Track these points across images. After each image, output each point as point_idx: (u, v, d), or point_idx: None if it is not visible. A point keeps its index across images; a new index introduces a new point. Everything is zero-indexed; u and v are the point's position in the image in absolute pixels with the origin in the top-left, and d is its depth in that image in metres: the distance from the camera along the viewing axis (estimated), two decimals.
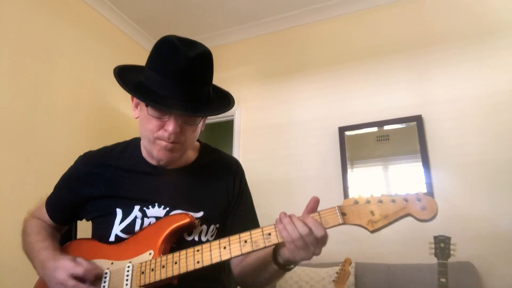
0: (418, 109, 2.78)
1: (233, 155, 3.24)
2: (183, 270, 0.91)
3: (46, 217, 1.19)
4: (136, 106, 1.07)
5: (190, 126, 1.01)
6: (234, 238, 0.91)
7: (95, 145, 1.25)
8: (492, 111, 2.56)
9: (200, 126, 1.05)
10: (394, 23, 3.09)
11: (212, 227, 1.08)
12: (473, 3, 2.84)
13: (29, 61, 2.57)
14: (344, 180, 2.84)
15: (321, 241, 0.85)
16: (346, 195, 2.72)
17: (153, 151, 1.03)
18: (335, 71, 3.20)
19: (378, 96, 2.97)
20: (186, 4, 3.33)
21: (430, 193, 2.52)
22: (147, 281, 0.93)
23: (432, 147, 2.67)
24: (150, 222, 1.03)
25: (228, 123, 3.63)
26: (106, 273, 0.99)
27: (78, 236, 1.32)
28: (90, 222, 1.15)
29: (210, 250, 0.91)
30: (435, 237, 1.93)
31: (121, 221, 1.04)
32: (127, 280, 0.95)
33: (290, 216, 0.87)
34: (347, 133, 2.99)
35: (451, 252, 1.86)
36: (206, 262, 0.90)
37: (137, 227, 1.03)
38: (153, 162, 1.10)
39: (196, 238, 1.05)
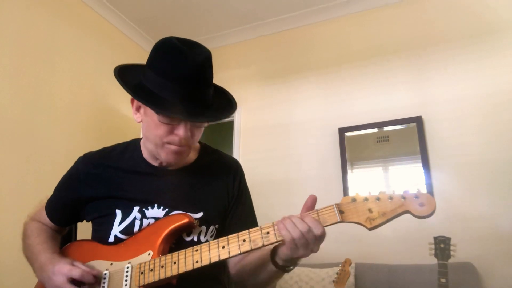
0: (418, 110, 2.78)
1: (233, 155, 3.25)
2: (182, 270, 0.91)
3: (46, 219, 1.19)
4: (138, 109, 1.06)
5: (197, 128, 1.03)
6: (233, 237, 0.91)
7: (95, 145, 1.25)
8: (492, 111, 2.56)
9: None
10: (394, 24, 3.09)
11: (211, 227, 1.08)
12: (473, 3, 2.84)
13: (29, 61, 2.57)
14: (344, 181, 2.84)
15: (320, 238, 0.86)
16: (346, 195, 2.70)
17: (161, 155, 1.03)
18: (335, 71, 3.20)
19: (378, 97, 2.97)
20: (186, 5, 3.33)
21: (430, 193, 2.52)
22: (146, 281, 0.93)
23: (432, 147, 2.67)
24: (149, 223, 1.03)
25: (228, 124, 3.63)
26: (105, 274, 0.99)
27: (78, 238, 1.32)
28: (90, 224, 1.15)
29: (209, 250, 0.91)
30: (435, 238, 1.92)
31: (121, 222, 1.04)
32: (126, 280, 0.95)
33: (289, 217, 0.88)
34: (347, 134, 2.99)
35: (451, 252, 1.86)
36: (205, 261, 0.90)
37: (136, 228, 1.03)
38: (154, 163, 1.10)
39: (195, 239, 1.05)
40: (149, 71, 1.00)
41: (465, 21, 2.83)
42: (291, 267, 0.94)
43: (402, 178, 2.74)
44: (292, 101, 3.30)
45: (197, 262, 0.91)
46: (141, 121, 1.06)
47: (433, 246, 1.91)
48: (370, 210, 0.85)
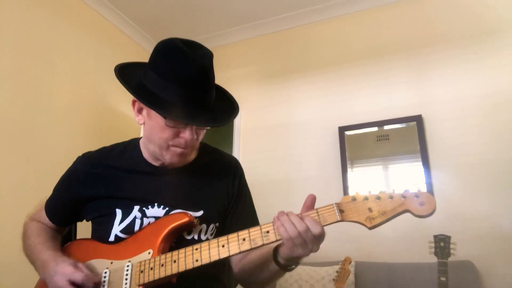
0: (418, 109, 2.78)
1: (233, 155, 3.24)
2: (182, 268, 0.91)
3: (46, 219, 1.19)
4: (140, 111, 1.06)
5: (201, 130, 1.03)
6: (233, 236, 0.91)
7: (95, 145, 1.25)
8: (492, 111, 2.56)
9: None
10: (394, 23, 3.09)
11: (211, 226, 1.08)
12: (473, 3, 2.84)
13: (29, 61, 2.57)
14: (344, 180, 2.84)
15: (319, 238, 0.85)
16: (346, 195, 2.70)
17: (165, 157, 1.03)
18: (335, 71, 3.20)
19: (378, 96, 2.97)
20: (186, 5, 3.33)
21: (430, 192, 2.51)
22: (146, 280, 0.93)
23: (432, 147, 2.67)
24: (149, 222, 1.03)
25: (228, 124, 3.63)
26: (105, 273, 0.99)
27: (78, 237, 1.32)
28: (89, 223, 1.15)
29: (209, 249, 0.91)
30: (435, 236, 1.92)
31: (121, 222, 1.04)
32: (126, 279, 0.95)
33: (287, 214, 0.88)
34: (347, 133, 2.99)
35: (451, 251, 1.86)
36: (205, 260, 0.90)
37: (136, 227, 1.03)
38: (155, 163, 1.10)
39: (196, 237, 1.05)
40: (151, 72, 0.99)
41: (465, 21, 2.82)
42: (293, 266, 0.94)
43: (402, 177, 2.74)
44: (292, 101, 3.30)
45: (197, 260, 0.91)
46: (144, 123, 1.06)
47: (433, 245, 1.91)
48: (370, 209, 0.86)
